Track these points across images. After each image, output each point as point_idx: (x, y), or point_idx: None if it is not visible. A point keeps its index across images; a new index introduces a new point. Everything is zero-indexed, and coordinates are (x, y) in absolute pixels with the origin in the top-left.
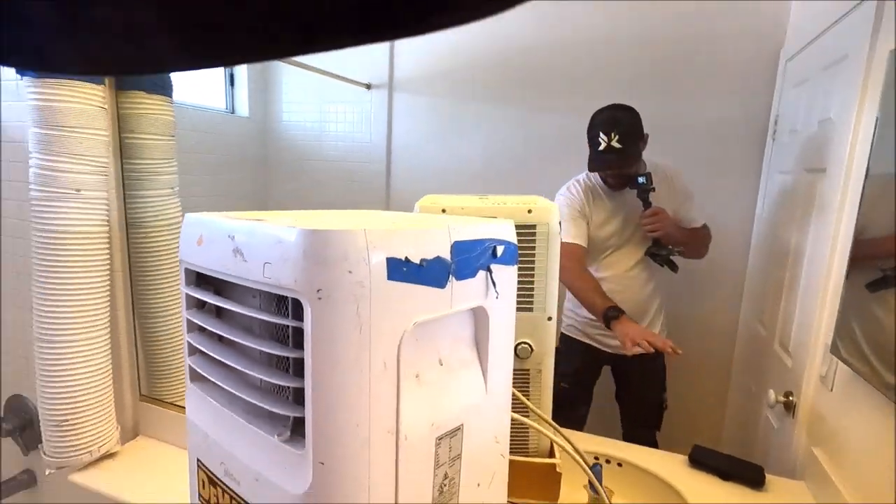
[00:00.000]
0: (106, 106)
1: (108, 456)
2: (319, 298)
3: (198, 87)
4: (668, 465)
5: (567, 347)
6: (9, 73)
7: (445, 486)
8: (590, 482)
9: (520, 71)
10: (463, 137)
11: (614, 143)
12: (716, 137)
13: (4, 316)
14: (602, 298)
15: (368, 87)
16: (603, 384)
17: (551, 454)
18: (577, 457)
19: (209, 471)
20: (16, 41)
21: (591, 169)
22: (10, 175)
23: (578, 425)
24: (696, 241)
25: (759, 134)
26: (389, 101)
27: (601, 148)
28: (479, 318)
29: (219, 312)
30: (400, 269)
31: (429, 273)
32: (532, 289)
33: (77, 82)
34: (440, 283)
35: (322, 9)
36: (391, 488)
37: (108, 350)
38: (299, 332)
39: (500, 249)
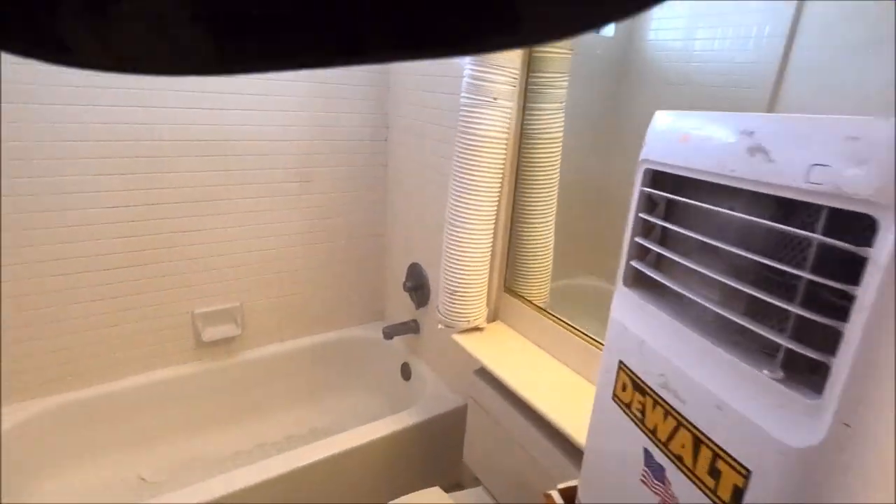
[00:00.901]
0: None
1: (477, 329)
2: None
3: None
4: None
5: None
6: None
7: None
8: None
9: None
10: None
11: None
12: None
13: (412, 207)
14: None
15: None
16: None
17: None
18: None
19: (637, 377)
20: (34, 29)
21: None
22: (450, 88)
23: None
24: None
25: None
26: (797, 9)
27: None
28: None
29: (666, 216)
30: None
31: None
32: None
33: None
34: None
35: (371, 19)
36: None
37: (490, 242)
38: (850, 260)
39: None
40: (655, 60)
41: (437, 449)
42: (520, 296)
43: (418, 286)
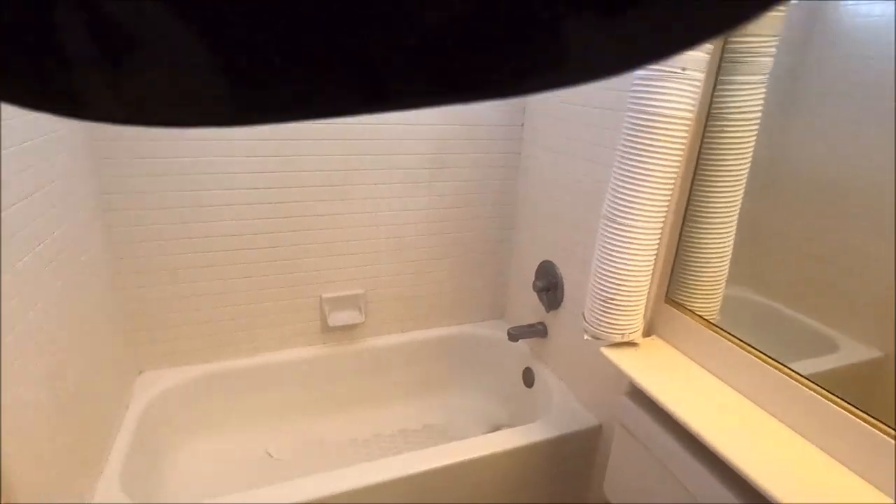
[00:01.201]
0: None
1: (630, 344)
2: None
3: None
4: None
5: None
6: None
7: None
8: None
9: None
10: None
11: None
12: None
13: (557, 203)
14: None
15: None
16: None
17: None
18: None
19: None
20: (41, 80)
21: None
22: None
23: None
24: None
25: None
26: None
27: None
28: None
29: None
30: None
31: None
32: None
33: None
34: None
35: (397, 64)
36: None
37: (657, 242)
38: None
39: None
40: (853, 30)
41: (564, 470)
42: (686, 308)
43: (550, 287)
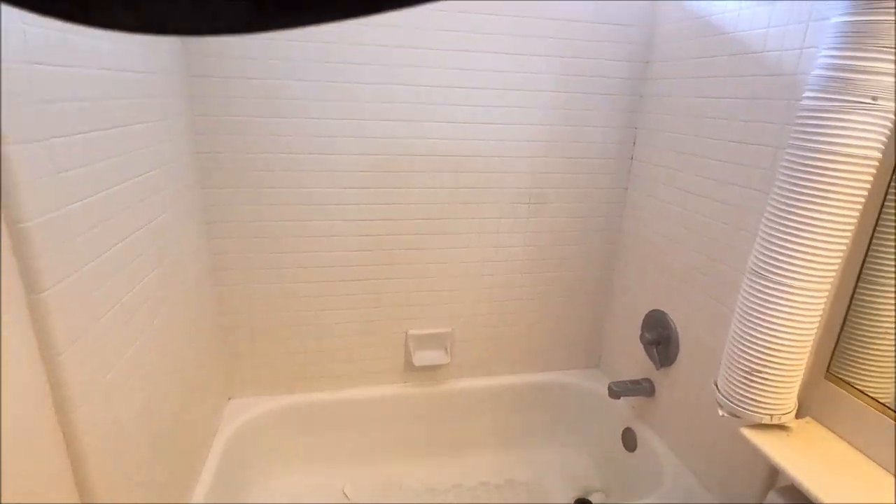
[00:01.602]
0: None
1: (780, 427)
2: None
3: None
4: None
5: None
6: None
7: None
8: None
9: None
10: None
11: None
12: None
13: (645, 247)
14: None
15: None
16: None
17: None
18: None
19: None
20: None
21: None
22: (754, 91)
23: None
24: None
25: None
26: None
27: None
28: None
29: None
30: None
31: None
32: None
33: None
34: None
35: None
36: None
37: (821, 305)
38: None
39: None
40: None
41: None
42: (854, 387)
43: (661, 340)
